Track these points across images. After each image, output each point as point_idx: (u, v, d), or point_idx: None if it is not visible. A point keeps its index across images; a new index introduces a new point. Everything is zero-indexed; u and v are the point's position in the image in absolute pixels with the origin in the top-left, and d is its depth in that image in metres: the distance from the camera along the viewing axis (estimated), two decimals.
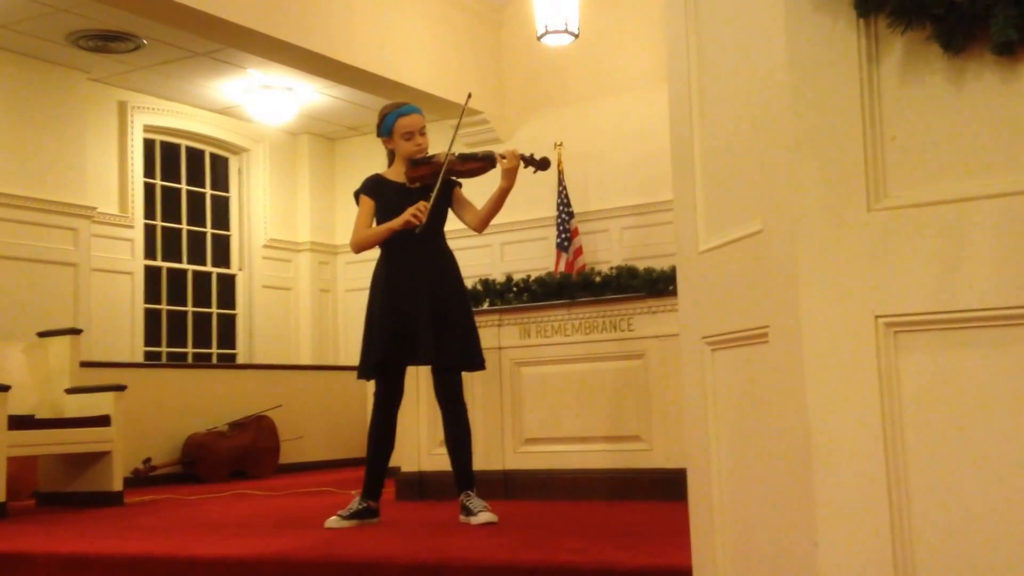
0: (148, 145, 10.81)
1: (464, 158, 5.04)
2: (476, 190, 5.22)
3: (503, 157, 4.92)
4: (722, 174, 2.10)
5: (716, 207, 2.13)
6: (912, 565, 1.64)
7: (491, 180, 4.99)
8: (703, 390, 2.17)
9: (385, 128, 5.10)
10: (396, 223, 4.95)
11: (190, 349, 11.20)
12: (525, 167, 4.97)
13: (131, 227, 10.40)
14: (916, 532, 1.64)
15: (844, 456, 1.68)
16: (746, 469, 2.02)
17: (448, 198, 5.11)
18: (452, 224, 5.12)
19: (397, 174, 5.11)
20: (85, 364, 7.78)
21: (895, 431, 1.66)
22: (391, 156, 5.21)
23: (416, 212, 4.90)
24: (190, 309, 11.22)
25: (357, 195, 5.15)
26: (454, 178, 5.09)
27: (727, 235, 2.04)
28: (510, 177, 4.92)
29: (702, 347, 2.17)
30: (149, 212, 10.78)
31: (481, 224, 5.11)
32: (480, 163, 5.02)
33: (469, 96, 5.30)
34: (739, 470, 2.06)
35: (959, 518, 1.61)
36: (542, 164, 5.02)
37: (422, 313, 4.92)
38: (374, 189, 5.11)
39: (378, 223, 5.06)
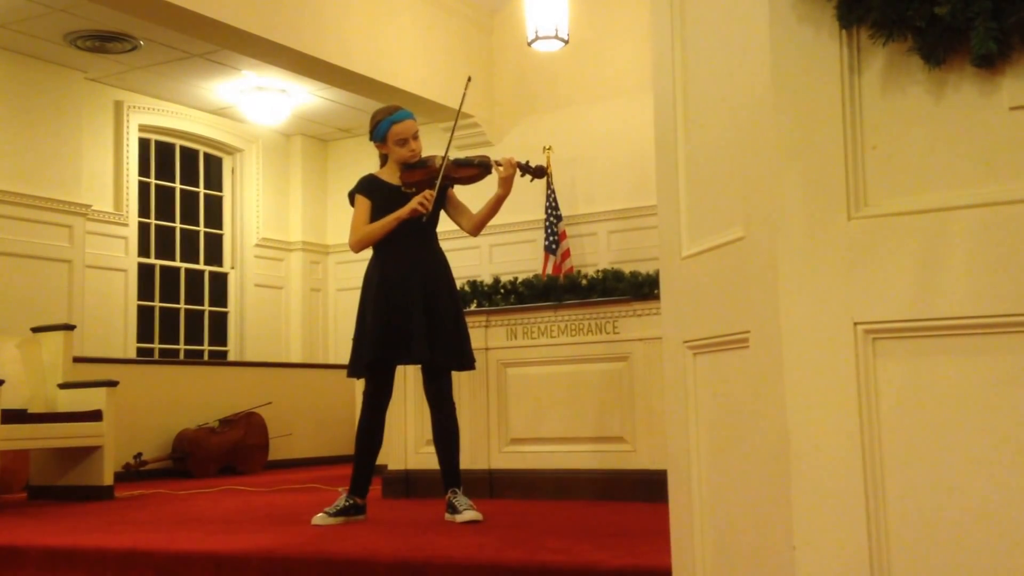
0: (143, 144, 10.81)
1: (460, 164, 5.02)
2: (469, 196, 5.23)
3: (499, 165, 4.92)
4: (705, 181, 2.10)
5: (699, 213, 2.13)
6: (888, 568, 1.65)
7: (484, 186, 5.00)
8: (684, 394, 2.17)
9: (378, 134, 5.07)
10: (403, 212, 4.92)
11: (182, 346, 11.20)
12: (522, 175, 4.98)
13: (125, 225, 10.41)
14: (892, 536, 1.65)
15: (822, 460, 1.69)
16: (726, 472, 2.02)
17: (442, 200, 5.10)
18: (442, 225, 5.12)
19: (391, 175, 5.09)
20: (78, 359, 7.82)
21: (872, 436, 1.67)
22: (383, 158, 5.19)
23: (423, 200, 4.88)
24: (182, 306, 11.23)
25: (352, 195, 5.12)
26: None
27: (709, 241, 2.05)
28: (507, 185, 4.91)
29: (684, 351, 2.17)
30: (143, 210, 10.79)
31: (475, 229, 5.12)
32: (476, 170, 5.00)
33: (469, 80, 5.14)
34: (719, 473, 2.06)
35: (935, 522, 1.63)
36: (538, 172, 5.02)
37: (415, 312, 4.91)
38: (370, 189, 5.09)
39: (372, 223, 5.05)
